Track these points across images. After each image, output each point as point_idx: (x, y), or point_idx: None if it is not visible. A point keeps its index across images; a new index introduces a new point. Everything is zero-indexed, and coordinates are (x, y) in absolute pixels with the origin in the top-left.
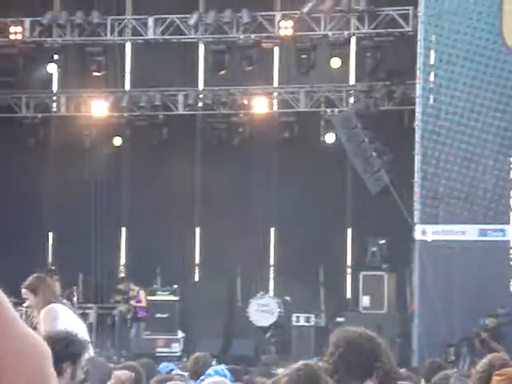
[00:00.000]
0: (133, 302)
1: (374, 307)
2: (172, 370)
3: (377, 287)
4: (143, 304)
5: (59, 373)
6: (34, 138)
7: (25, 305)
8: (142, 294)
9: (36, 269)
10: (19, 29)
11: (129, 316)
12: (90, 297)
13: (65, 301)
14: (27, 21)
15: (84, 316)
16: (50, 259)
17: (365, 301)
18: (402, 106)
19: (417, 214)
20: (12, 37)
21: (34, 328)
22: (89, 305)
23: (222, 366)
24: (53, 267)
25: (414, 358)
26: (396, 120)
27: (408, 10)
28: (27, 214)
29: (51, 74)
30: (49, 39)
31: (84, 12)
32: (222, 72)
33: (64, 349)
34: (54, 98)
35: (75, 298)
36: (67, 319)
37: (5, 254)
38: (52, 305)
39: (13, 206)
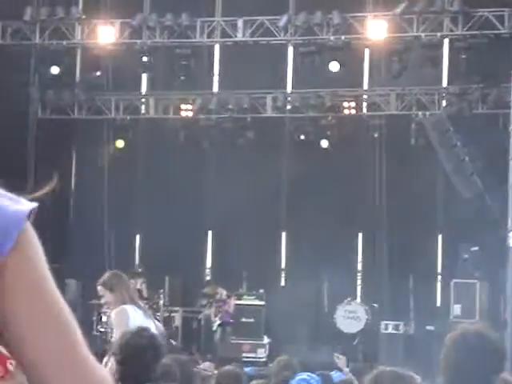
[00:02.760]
0: (220, 307)
1: (466, 316)
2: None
3: (468, 295)
4: (231, 310)
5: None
6: (123, 140)
7: (102, 301)
8: (232, 301)
9: (123, 271)
10: (109, 30)
11: (216, 319)
12: (176, 300)
13: (141, 303)
14: (117, 22)
15: (170, 319)
16: (136, 261)
17: (456, 309)
18: (497, 109)
19: (510, 221)
20: (102, 38)
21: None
22: (175, 308)
23: (305, 376)
24: (139, 269)
25: (507, 367)
26: (490, 124)
27: (504, 11)
28: (114, 215)
29: (141, 76)
30: (138, 41)
31: (174, 14)
32: (311, 74)
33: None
34: (143, 99)
35: (161, 301)
36: (137, 323)
37: (93, 256)
38: (123, 306)
39: (100, 206)
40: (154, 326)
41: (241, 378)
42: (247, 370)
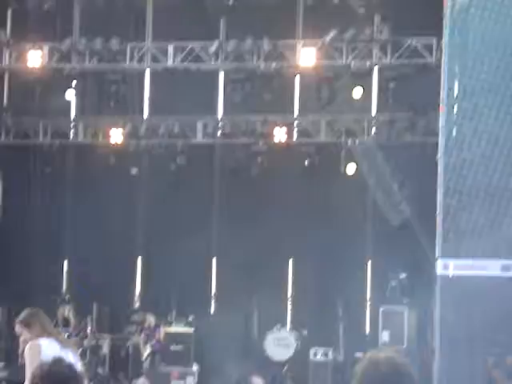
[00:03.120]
0: (151, 334)
1: (394, 342)
2: None
3: (397, 322)
4: (160, 339)
5: None
6: (50, 165)
7: (21, 339)
8: (162, 330)
9: (50, 297)
10: (38, 54)
11: (146, 347)
12: (104, 327)
13: (59, 335)
14: (46, 47)
15: (98, 347)
16: (64, 287)
17: (384, 336)
18: (425, 137)
19: (438, 248)
20: (30, 62)
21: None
22: (103, 335)
23: None
24: (66, 296)
25: None
26: (418, 152)
27: (432, 40)
28: (41, 240)
29: (69, 101)
30: (67, 65)
31: (103, 38)
32: (242, 101)
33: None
34: (72, 124)
35: (89, 328)
36: (49, 354)
37: (19, 282)
38: (36, 340)
39: (27, 231)
40: (72, 357)
41: None
42: None
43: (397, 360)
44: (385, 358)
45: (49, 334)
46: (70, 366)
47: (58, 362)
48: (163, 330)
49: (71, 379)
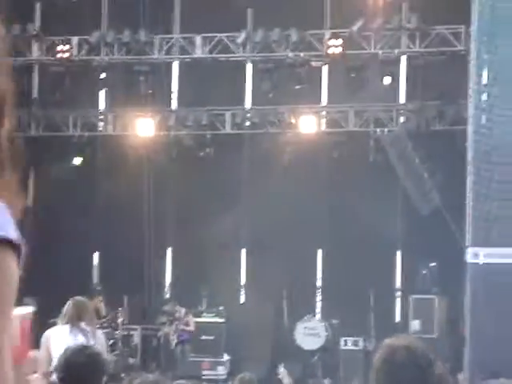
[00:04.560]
0: (179, 325)
1: (425, 331)
2: None
3: (427, 311)
4: (191, 328)
5: None
6: (81, 157)
7: None
8: (191, 318)
9: (81, 288)
10: (67, 47)
11: (173, 338)
12: (135, 318)
13: (83, 324)
14: (75, 39)
15: (129, 337)
16: (94, 280)
17: (415, 325)
18: (454, 125)
19: (468, 236)
20: (59, 55)
21: None
22: (134, 326)
23: None
24: (98, 288)
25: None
26: (448, 140)
27: (460, 28)
28: (72, 232)
29: (98, 93)
30: (96, 58)
31: (131, 30)
32: (270, 91)
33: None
34: (101, 116)
35: (120, 320)
36: (58, 342)
37: (50, 274)
38: (47, 330)
39: (58, 224)
40: (83, 339)
41: None
42: None
43: (414, 345)
44: (402, 344)
45: (70, 322)
46: (90, 355)
47: (79, 349)
48: (193, 320)
49: (87, 367)
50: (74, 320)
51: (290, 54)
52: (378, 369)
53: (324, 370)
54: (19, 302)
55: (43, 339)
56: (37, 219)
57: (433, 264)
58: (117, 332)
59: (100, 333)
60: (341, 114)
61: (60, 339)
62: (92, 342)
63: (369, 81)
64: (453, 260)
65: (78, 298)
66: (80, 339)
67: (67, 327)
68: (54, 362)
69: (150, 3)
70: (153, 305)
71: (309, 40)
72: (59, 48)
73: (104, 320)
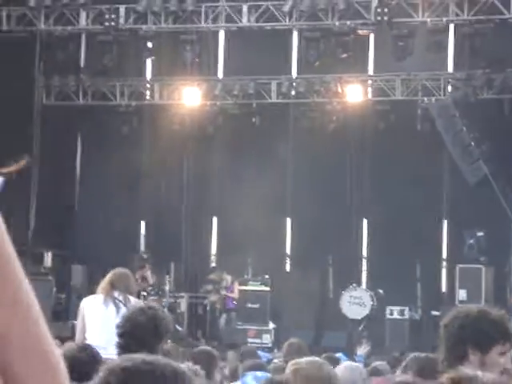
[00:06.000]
0: (224, 292)
1: (471, 301)
2: (271, 359)
3: (474, 280)
4: (235, 295)
5: None
6: (127, 126)
7: None
8: (236, 285)
9: (129, 257)
10: (114, 16)
11: (219, 306)
12: (181, 286)
13: (117, 293)
14: (122, 8)
15: (176, 305)
16: (142, 248)
17: (461, 294)
18: (502, 94)
19: None
20: (107, 24)
21: None
22: (180, 294)
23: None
24: (145, 256)
25: None
26: (495, 109)
27: None
28: (119, 201)
29: (145, 62)
30: (143, 26)
31: None
32: (316, 60)
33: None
34: (148, 85)
35: (167, 287)
36: (90, 310)
37: (98, 242)
38: (84, 299)
39: (105, 193)
40: (114, 310)
41: (214, 356)
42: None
43: (487, 310)
44: (476, 308)
45: (104, 292)
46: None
47: (142, 309)
48: (238, 288)
49: (147, 326)
50: (108, 289)
51: (337, 23)
52: (446, 324)
53: (370, 338)
54: (68, 270)
55: (80, 308)
56: (84, 185)
57: (480, 234)
58: (164, 300)
59: (134, 300)
60: (387, 82)
61: (93, 309)
62: (123, 311)
63: (416, 49)
64: (500, 230)
65: (118, 268)
66: (111, 309)
67: (101, 297)
68: (88, 330)
69: None
70: (199, 273)
71: (356, 8)
72: (106, 17)
73: (151, 288)
